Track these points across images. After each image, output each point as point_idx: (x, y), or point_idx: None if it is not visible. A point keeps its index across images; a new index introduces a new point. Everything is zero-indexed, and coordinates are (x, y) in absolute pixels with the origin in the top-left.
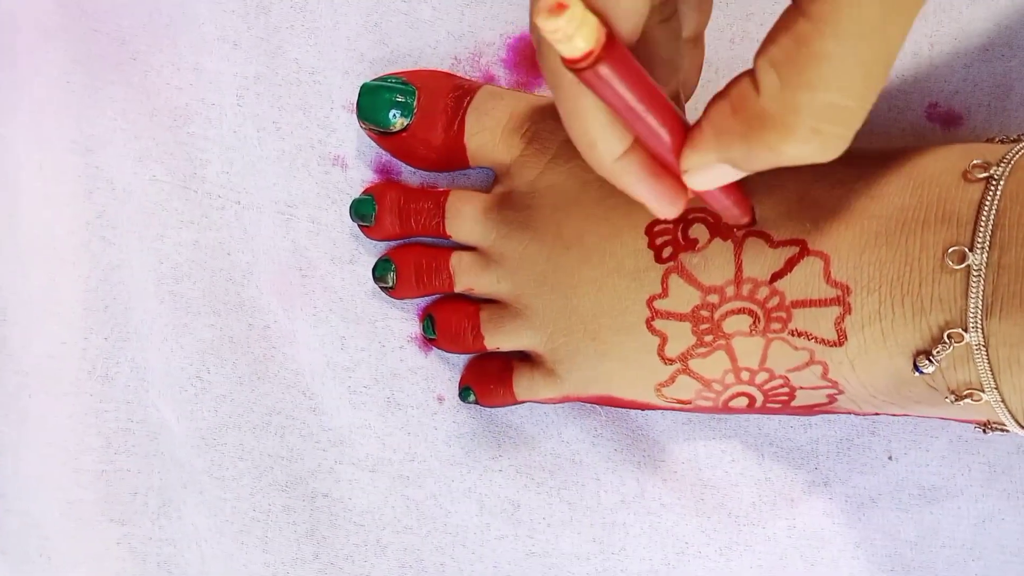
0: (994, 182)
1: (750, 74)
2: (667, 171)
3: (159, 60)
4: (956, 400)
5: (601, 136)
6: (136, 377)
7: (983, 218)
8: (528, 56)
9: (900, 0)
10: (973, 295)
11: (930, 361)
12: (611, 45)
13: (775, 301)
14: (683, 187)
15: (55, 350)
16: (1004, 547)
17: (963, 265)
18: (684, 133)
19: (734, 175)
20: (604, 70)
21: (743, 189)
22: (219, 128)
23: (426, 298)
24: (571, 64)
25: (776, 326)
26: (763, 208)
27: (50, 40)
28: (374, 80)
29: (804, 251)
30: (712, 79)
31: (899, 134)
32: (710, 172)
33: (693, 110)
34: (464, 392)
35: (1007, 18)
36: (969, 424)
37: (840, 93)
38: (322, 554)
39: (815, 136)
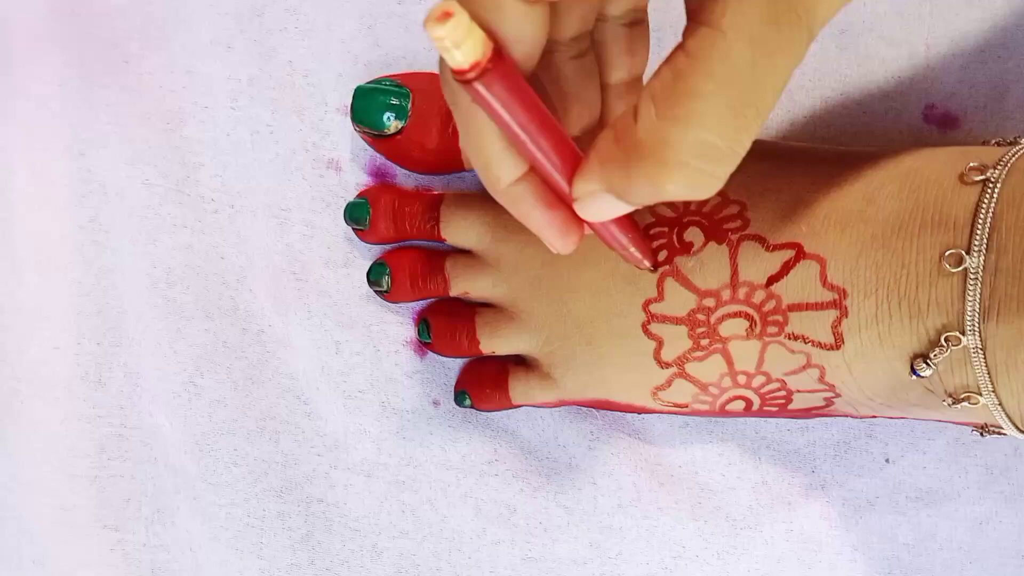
0: (990, 185)
1: (634, 105)
2: (562, 203)
3: (152, 63)
4: (953, 403)
5: (495, 158)
6: (129, 382)
7: (980, 221)
8: None
9: (771, 49)
10: (970, 298)
11: (927, 364)
12: (499, 62)
13: (771, 304)
14: (578, 220)
15: (48, 355)
16: (1002, 549)
17: (960, 268)
18: (577, 163)
19: (621, 208)
20: (485, 86)
21: (641, 232)
22: (212, 131)
23: (421, 302)
24: (457, 76)
25: (772, 329)
26: (759, 211)
27: (44, 44)
28: (368, 83)
29: (800, 254)
30: None
31: (896, 136)
32: (597, 202)
33: None
34: (460, 396)
35: (1003, 20)
36: (966, 426)
37: (709, 131)
38: (317, 560)
39: (685, 170)
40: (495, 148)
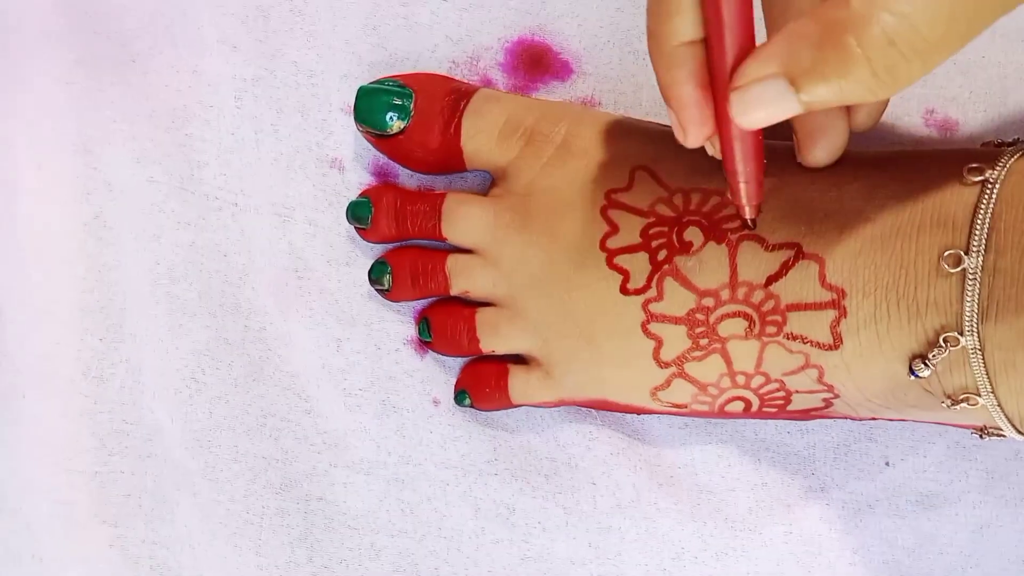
0: (989, 185)
1: None
2: (712, 96)
3: (158, 62)
4: (952, 404)
5: (679, 11)
6: (131, 379)
7: (978, 222)
8: (525, 60)
9: None
10: (969, 299)
11: (926, 365)
12: None
13: (770, 304)
14: (711, 118)
15: (49, 350)
16: (1002, 554)
17: (959, 269)
18: (749, 53)
19: (784, 105)
20: None
21: (762, 172)
22: (217, 130)
23: (422, 301)
24: None
25: (771, 329)
26: None
27: (50, 41)
28: (371, 83)
29: (799, 254)
30: None
31: (896, 140)
32: (760, 92)
33: None
34: (460, 395)
35: (1003, 26)
36: (966, 430)
37: (920, 14)
38: (316, 558)
39: (886, 49)
40: (684, 2)
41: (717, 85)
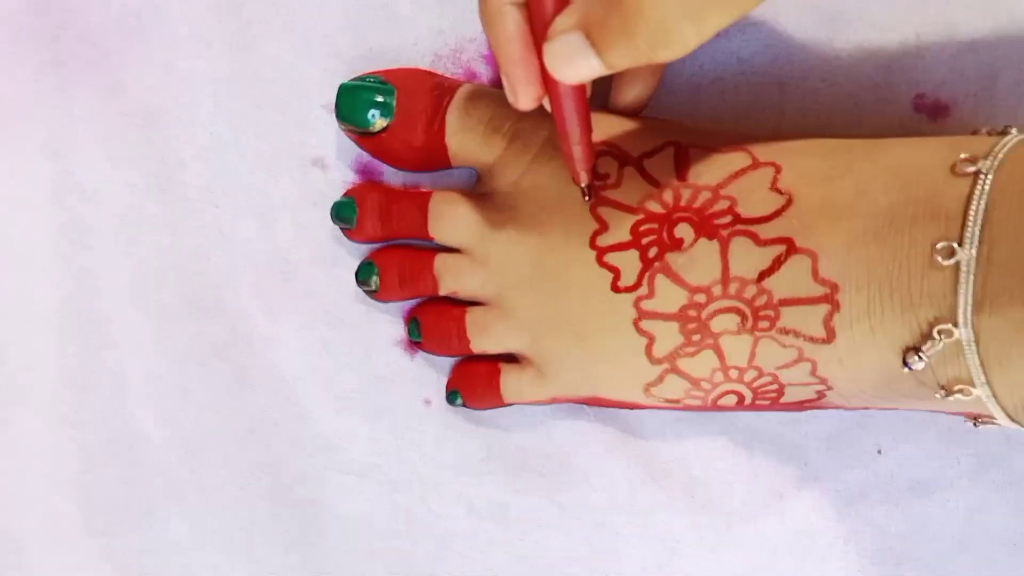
0: (982, 176)
1: None
2: (538, 55)
3: (130, 59)
4: (946, 395)
5: None
6: (115, 386)
7: (972, 213)
8: None
9: None
10: (962, 291)
11: (920, 357)
12: None
13: (763, 299)
14: (538, 77)
15: (30, 360)
16: (993, 539)
17: (952, 261)
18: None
19: (588, 65)
20: None
21: (591, 144)
22: (193, 129)
23: (411, 301)
24: None
25: (764, 324)
26: (749, 206)
27: (18, 40)
28: (352, 80)
29: (791, 249)
30: (697, 72)
31: (886, 125)
32: (568, 48)
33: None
34: (451, 395)
35: (993, 7)
36: (958, 417)
37: None
38: (310, 563)
39: (661, 9)
40: None
41: (538, 42)
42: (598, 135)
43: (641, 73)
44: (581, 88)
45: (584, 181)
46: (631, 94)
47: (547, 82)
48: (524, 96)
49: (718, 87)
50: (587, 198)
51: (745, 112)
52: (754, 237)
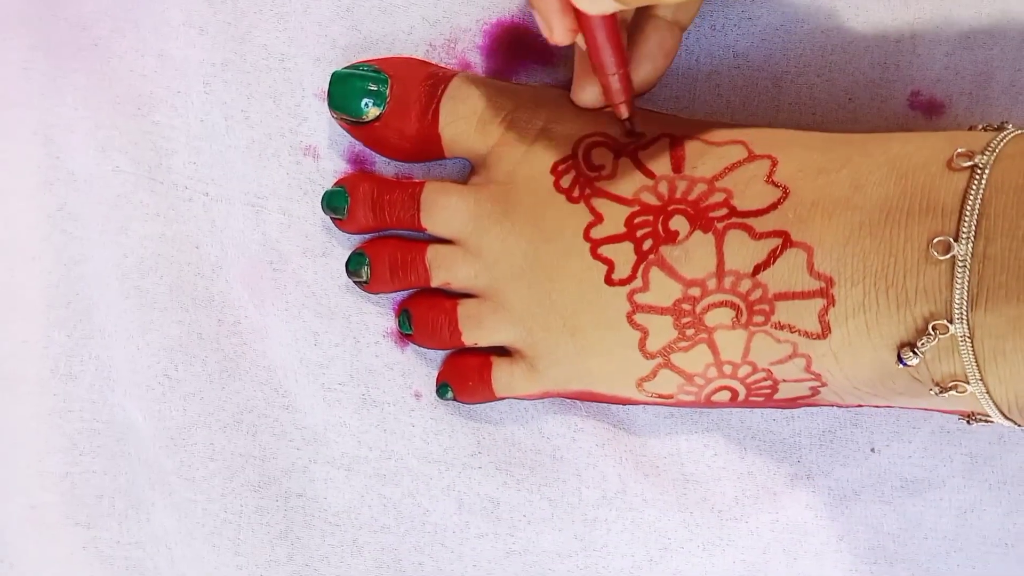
0: (979, 171)
1: None
2: None
3: (122, 46)
4: (940, 392)
5: None
6: (101, 376)
7: (968, 208)
8: (505, 43)
9: None
10: (958, 286)
11: (914, 353)
12: None
13: (758, 293)
14: (569, 8)
15: (16, 349)
16: (986, 538)
17: (948, 256)
18: None
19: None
20: None
21: (629, 72)
22: (185, 117)
23: (402, 292)
24: None
25: (759, 319)
26: (745, 199)
27: (8, 27)
28: (345, 68)
29: (787, 242)
30: (692, 66)
31: (881, 122)
32: None
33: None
34: (442, 388)
35: (988, 5)
36: (951, 415)
37: None
38: (296, 555)
39: None
40: None
41: None
42: (594, 126)
43: (652, 52)
44: (612, 19)
45: (625, 114)
46: (641, 73)
47: (579, 16)
48: (559, 28)
49: (714, 81)
50: (631, 134)
51: (741, 107)
52: (749, 230)
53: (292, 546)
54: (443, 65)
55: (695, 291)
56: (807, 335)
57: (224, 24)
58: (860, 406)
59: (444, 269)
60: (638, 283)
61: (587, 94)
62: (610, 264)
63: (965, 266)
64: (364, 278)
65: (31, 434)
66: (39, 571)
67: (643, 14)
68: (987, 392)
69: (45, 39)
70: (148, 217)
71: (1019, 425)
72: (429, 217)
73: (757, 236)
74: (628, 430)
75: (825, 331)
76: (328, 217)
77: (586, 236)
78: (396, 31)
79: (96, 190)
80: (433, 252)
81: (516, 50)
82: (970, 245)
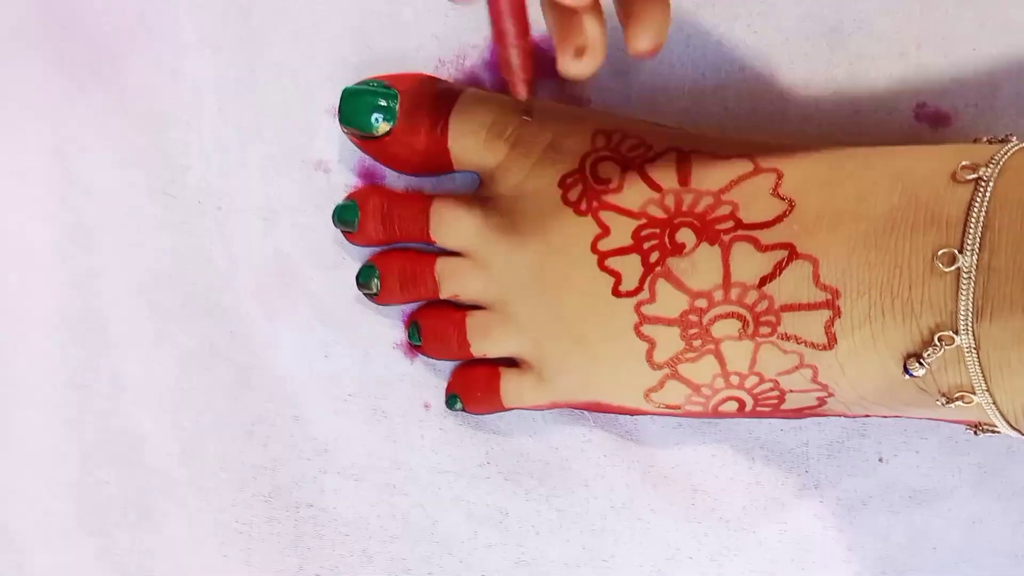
0: (983, 184)
1: None
2: None
3: (137, 64)
4: (947, 402)
5: None
6: (114, 387)
7: (972, 220)
8: None
9: None
10: (963, 298)
11: (920, 364)
12: None
13: (764, 305)
14: None
15: (32, 361)
16: (995, 549)
17: (953, 268)
18: None
19: None
20: None
21: (530, 50)
22: (199, 133)
23: (411, 304)
24: None
25: (765, 330)
26: (751, 211)
27: (26, 45)
28: (356, 84)
29: (793, 254)
30: (699, 80)
31: (887, 134)
32: None
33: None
34: (451, 399)
35: (993, 18)
36: (959, 425)
37: None
38: (307, 566)
39: None
40: None
41: None
42: (607, 139)
43: (650, 10)
44: None
45: (523, 94)
46: (644, 38)
47: None
48: None
49: (720, 95)
50: (527, 116)
51: (747, 120)
52: (755, 242)
53: (302, 556)
54: (452, 81)
55: (702, 303)
56: (813, 346)
57: (237, 42)
58: (867, 416)
59: (453, 281)
60: (645, 295)
61: (572, 66)
62: (617, 276)
63: (970, 278)
64: (374, 290)
65: (44, 444)
66: None
67: None
68: (993, 403)
69: (62, 58)
70: (161, 231)
71: None
72: (438, 230)
73: (763, 248)
74: (636, 441)
75: (831, 342)
76: (339, 230)
77: (593, 248)
78: (406, 48)
79: (111, 205)
80: (442, 264)
81: None
82: (975, 257)
